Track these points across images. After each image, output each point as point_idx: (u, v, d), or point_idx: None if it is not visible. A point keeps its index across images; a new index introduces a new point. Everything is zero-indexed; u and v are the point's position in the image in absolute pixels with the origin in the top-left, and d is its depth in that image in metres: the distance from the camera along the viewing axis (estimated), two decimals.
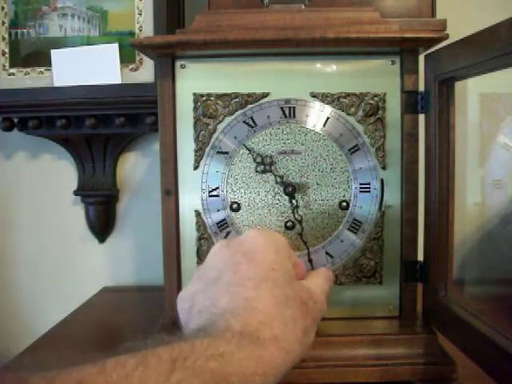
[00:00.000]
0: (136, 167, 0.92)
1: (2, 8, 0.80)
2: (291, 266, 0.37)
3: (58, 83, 0.78)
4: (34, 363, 0.25)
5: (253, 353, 0.29)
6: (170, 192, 0.54)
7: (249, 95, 0.53)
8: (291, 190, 0.52)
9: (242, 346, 0.28)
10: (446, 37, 0.49)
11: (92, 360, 0.25)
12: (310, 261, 0.53)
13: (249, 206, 0.54)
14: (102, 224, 0.91)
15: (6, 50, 0.81)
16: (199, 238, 0.54)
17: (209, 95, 0.53)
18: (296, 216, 0.53)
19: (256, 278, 0.33)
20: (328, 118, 0.53)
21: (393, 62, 0.53)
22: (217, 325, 0.30)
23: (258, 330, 0.30)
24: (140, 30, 0.79)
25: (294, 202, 0.53)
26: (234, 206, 0.54)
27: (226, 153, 0.53)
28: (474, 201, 0.60)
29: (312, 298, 0.36)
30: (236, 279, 0.34)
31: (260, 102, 0.53)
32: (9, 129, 0.83)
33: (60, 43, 0.80)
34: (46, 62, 0.79)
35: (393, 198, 0.54)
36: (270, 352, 0.30)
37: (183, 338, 0.28)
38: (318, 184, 0.53)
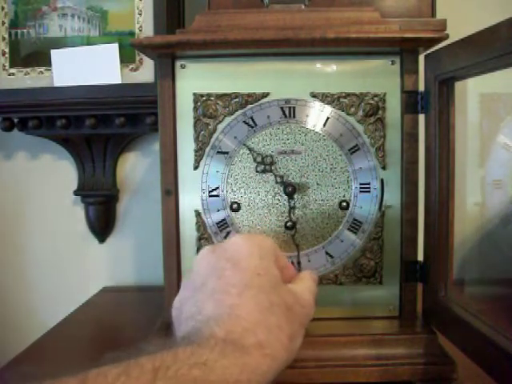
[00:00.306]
0: (136, 167, 0.92)
1: (2, 8, 0.80)
2: (277, 270, 0.37)
3: (57, 83, 0.78)
4: (18, 376, 0.25)
5: (237, 360, 0.28)
6: (170, 192, 0.54)
7: (249, 95, 0.53)
8: (291, 189, 0.52)
9: (226, 354, 0.28)
10: (446, 37, 0.49)
11: (75, 372, 0.25)
12: (299, 263, 0.53)
13: (249, 206, 0.54)
14: (102, 224, 0.91)
15: (6, 50, 0.81)
16: (199, 238, 0.54)
17: (209, 95, 0.53)
18: (292, 217, 0.53)
19: (240, 285, 0.33)
20: (328, 118, 0.53)
21: (393, 62, 0.53)
22: (201, 332, 0.30)
23: (242, 337, 0.30)
24: (140, 30, 0.79)
25: (291, 202, 0.53)
26: (234, 205, 0.54)
27: (226, 153, 0.53)
28: (474, 201, 0.60)
29: (299, 302, 0.36)
30: (221, 286, 0.34)
31: (260, 102, 0.53)
32: (9, 129, 0.83)
33: (60, 43, 0.80)
34: (46, 62, 0.79)
35: (393, 197, 0.54)
36: (254, 359, 0.29)
37: (167, 346, 0.28)
38: (317, 184, 0.53)
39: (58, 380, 0.24)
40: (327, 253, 0.54)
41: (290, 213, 0.53)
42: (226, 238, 0.54)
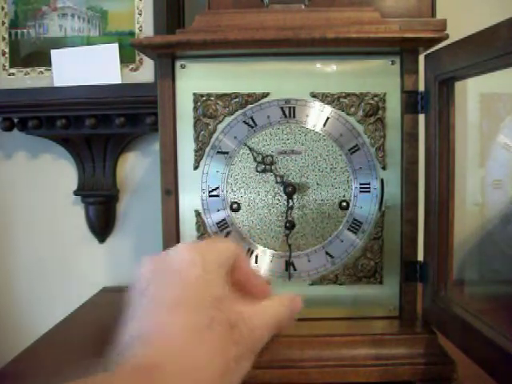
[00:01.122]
0: (136, 167, 0.92)
1: (2, 8, 0.80)
2: (227, 284, 0.32)
3: (57, 83, 0.78)
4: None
5: None
6: (170, 192, 0.54)
7: (249, 95, 0.53)
8: (291, 189, 0.52)
9: (140, 382, 0.25)
10: (446, 37, 0.49)
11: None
12: (292, 263, 0.53)
13: (249, 206, 0.54)
14: (102, 224, 0.91)
15: (6, 50, 0.80)
16: (199, 238, 0.54)
17: (209, 95, 0.53)
18: (289, 217, 0.53)
19: (173, 301, 0.29)
20: (328, 118, 0.53)
21: (393, 62, 0.53)
22: (122, 356, 0.27)
23: (164, 360, 0.26)
24: (140, 30, 0.79)
25: (289, 202, 0.53)
26: (234, 205, 0.54)
27: (226, 153, 0.53)
28: (474, 201, 0.60)
29: (246, 324, 0.31)
30: (154, 301, 0.30)
31: (260, 102, 0.53)
32: (9, 129, 0.83)
33: (60, 43, 0.80)
34: (46, 62, 0.79)
35: (393, 198, 0.53)
36: None
37: (102, 369, 0.25)
38: (317, 184, 0.53)
39: None
40: (327, 253, 0.54)
41: (286, 213, 0.53)
42: (226, 237, 0.54)
